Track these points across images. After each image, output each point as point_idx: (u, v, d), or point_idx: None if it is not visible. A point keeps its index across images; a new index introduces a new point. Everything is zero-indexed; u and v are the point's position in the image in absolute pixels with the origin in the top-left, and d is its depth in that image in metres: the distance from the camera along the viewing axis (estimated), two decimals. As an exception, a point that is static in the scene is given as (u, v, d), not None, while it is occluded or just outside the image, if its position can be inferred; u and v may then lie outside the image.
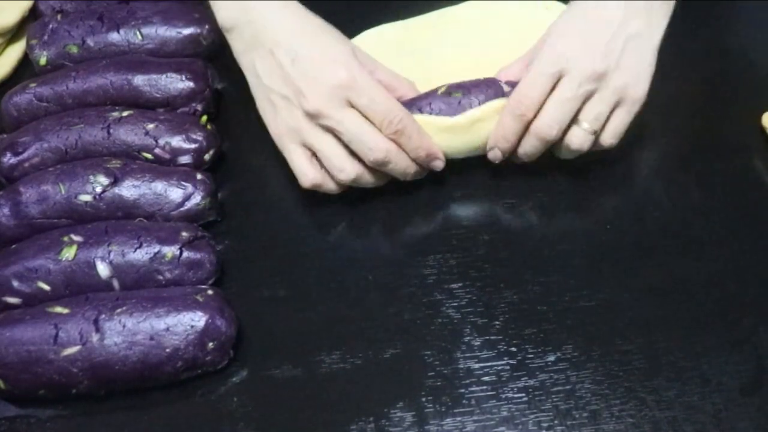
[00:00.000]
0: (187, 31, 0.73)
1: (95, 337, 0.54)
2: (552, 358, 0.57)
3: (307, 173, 0.62)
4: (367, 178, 0.62)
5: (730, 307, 0.59)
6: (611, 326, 0.58)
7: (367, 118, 0.60)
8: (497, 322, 0.59)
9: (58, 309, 0.56)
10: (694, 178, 0.67)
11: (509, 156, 0.65)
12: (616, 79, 0.61)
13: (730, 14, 0.79)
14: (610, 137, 0.63)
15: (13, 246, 0.60)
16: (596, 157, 0.66)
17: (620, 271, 0.61)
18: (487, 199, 0.66)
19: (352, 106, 0.60)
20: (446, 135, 0.63)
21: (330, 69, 0.59)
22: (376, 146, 0.60)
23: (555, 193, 0.66)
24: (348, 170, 0.61)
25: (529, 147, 0.63)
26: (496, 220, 0.65)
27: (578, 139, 0.62)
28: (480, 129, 0.63)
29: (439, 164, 0.64)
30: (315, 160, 0.62)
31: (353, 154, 0.61)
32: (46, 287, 0.58)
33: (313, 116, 0.60)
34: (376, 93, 0.60)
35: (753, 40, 0.76)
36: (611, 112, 0.62)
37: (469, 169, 0.68)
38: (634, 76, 0.62)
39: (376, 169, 0.62)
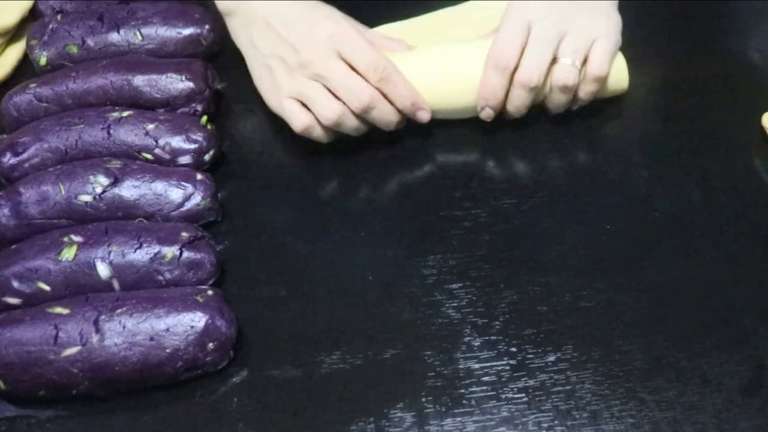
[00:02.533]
0: (187, 31, 0.73)
1: (95, 338, 0.54)
2: (552, 358, 0.57)
3: (299, 117, 0.65)
4: (351, 120, 0.65)
5: (730, 307, 0.59)
6: (611, 326, 0.58)
7: (354, 69, 0.64)
8: (497, 323, 0.59)
9: (58, 309, 0.56)
10: (694, 178, 0.67)
11: (500, 113, 0.68)
12: (583, 17, 0.65)
13: (730, 14, 0.79)
14: (596, 67, 0.66)
15: (13, 246, 0.60)
16: (597, 105, 0.68)
17: (620, 271, 0.61)
18: (487, 198, 0.66)
19: (341, 58, 0.64)
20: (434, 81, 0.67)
21: (319, 24, 0.64)
22: (361, 92, 0.64)
23: (555, 193, 0.66)
24: (333, 108, 0.64)
25: (516, 99, 0.66)
26: (496, 220, 0.65)
27: (563, 74, 0.65)
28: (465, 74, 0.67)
29: (423, 114, 0.67)
30: (306, 109, 0.65)
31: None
32: (46, 287, 0.58)
33: (304, 66, 0.64)
34: (363, 44, 0.64)
35: (753, 40, 0.76)
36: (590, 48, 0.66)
37: (469, 169, 0.68)
38: (605, 15, 0.66)
39: (359, 115, 0.65)
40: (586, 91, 0.67)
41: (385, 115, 0.66)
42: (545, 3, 0.65)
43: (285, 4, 0.66)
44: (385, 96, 0.65)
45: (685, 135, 0.70)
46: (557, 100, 0.67)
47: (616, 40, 0.67)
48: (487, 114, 0.68)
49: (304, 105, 0.65)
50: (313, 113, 0.65)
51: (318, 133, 0.66)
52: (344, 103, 0.64)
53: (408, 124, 0.69)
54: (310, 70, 0.64)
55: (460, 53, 0.68)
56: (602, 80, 0.67)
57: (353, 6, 0.75)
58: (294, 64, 0.64)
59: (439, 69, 0.67)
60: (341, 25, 0.65)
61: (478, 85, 0.67)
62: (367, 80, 0.64)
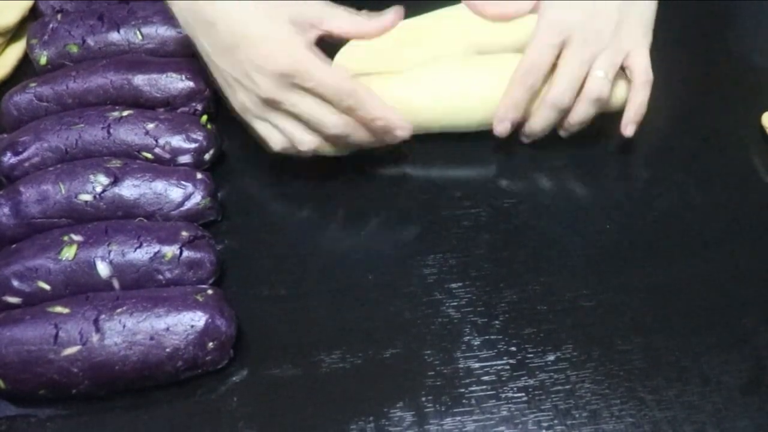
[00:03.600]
0: (188, 30, 0.73)
1: (95, 337, 0.54)
2: (552, 357, 0.57)
3: (275, 138, 0.63)
4: (328, 149, 0.64)
5: (730, 307, 0.59)
6: (611, 326, 0.58)
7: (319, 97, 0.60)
8: (497, 322, 0.59)
9: (58, 309, 0.56)
10: (694, 178, 0.67)
11: (516, 132, 0.67)
12: (623, 33, 0.63)
13: (730, 14, 0.79)
14: (644, 74, 0.64)
15: (13, 246, 0.60)
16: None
17: (620, 271, 0.61)
18: (487, 199, 0.66)
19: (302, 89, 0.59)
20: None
21: (272, 57, 0.58)
22: (332, 123, 0.61)
23: (555, 193, 0.66)
24: (308, 142, 0.62)
25: (543, 118, 0.65)
26: (496, 220, 0.65)
27: (597, 87, 0.63)
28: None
29: (401, 133, 0.63)
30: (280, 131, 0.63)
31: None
32: (46, 287, 0.58)
33: (267, 102, 0.60)
34: (322, 74, 0.59)
35: (753, 40, 0.76)
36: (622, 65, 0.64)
37: (469, 169, 0.68)
38: (639, 26, 0.64)
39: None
40: (637, 99, 0.64)
41: (365, 138, 0.63)
42: (582, 17, 0.62)
43: (233, 17, 0.59)
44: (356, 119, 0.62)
45: (685, 135, 0.70)
46: (584, 114, 0.65)
47: (650, 43, 0.65)
48: (503, 128, 0.65)
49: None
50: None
51: (296, 152, 0.63)
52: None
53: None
54: (275, 106, 0.60)
55: (458, 73, 0.67)
56: (649, 85, 0.64)
57: (356, 7, 0.75)
58: (257, 98, 0.60)
59: (437, 89, 0.66)
60: (295, 54, 0.58)
61: (476, 103, 0.66)
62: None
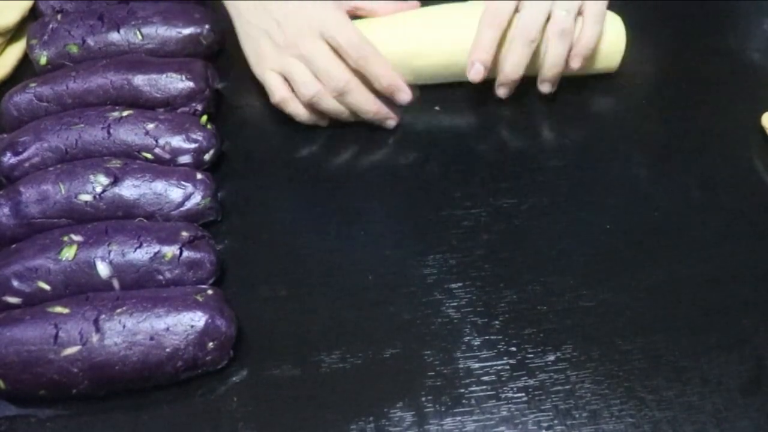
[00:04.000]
0: (187, 30, 0.73)
1: (95, 337, 0.54)
2: (552, 357, 0.57)
3: (278, 89, 0.68)
4: (328, 101, 0.67)
5: (730, 307, 0.59)
6: (611, 326, 0.58)
7: (336, 51, 0.66)
8: (497, 322, 0.59)
9: (58, 309, 0.56)
10: (694, 178, 0.67)
11: (491, 76, 0.69)
12: None
13: (731, 13, 0.79)
14: (591, 22, 0.67)
15: (13, 246, 0.60)
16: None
17: (620, 271, 0.61)
18: (487, 198, 0.66)
19: (324, 39, 0.66)
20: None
21: (307, 7, 0.66)
22: (338, 75, 0.66)
23: (555, 193, 0.66)
24: (311, 87, 0.66)
25: (514, 55, 0.67)
26: (496, 220, 0.65)
27: (560, 21, 0.67)
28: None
29: (403, 96, 0.69)
30: (287, 83, 0.68)
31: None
32: (46, 287, 0.58)
33: (289, 46, 0.66)
34: (345, 25, 0.66)
35: (753, 40, 0.76)
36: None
37: (468, 169, 0.68)
38: None
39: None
40: (587, 34, 0.68)
41: (362, 102, 0.68)
42: None
43: None
44: (364, 78, 0.67)
45: (685, 135, 0.70)
46: (554, 52, 0.68)
47: None
48: (476, 71, 0.68)
49: (287, 79, 0.67)
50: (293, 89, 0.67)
51: (293, 108, 0.68)
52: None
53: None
54: (294, 50, 0.66)
55: (442, 13, 0.70)
56: (601, 22, 0.68)
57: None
58: (279, 41, 0.66)
59: (422, 30, 0.69)
60: (329, 6, 0.66)
61: (462, 44, 0.68)
62: (347, 62, 0.66)
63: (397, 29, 0.70)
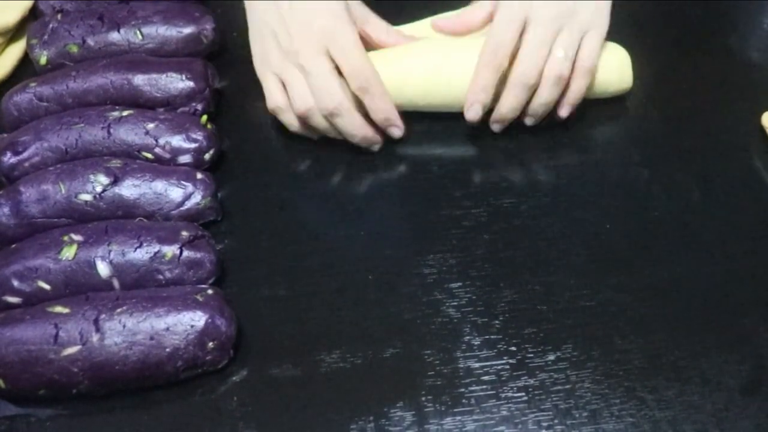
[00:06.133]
0: (188, 30, 0.73)
1: (95, 337, 0.54)
2: (552, 357, 0.57)
3: (275, 95, 0.67)
4: (318, 119, 0.66)
5: (730, 307, 0.59)
6: (611, 326, 0.58)
7: (340, 70, 0.64)
8: (497, 322, 0.59)
9: (59, 309, 0.56)
10: (694, 178, 0.67)
11: (485, 121, 0.68)
12: (580, 13, 0.65)
13: (730, 14, 0.79)
14: (587, 59, 0.66)
15: (13, 246, 0.60)
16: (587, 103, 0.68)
17: (620, 270, 0.61)
18: (487, 198, 0.66)
19: (329, 56, 0.64)
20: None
21: (319, 16, 0.64)
22: (331, 96, 0.64)
23: (555, 193, 0.66)
24: (305, 101, 0.65)
25: (511, 98, 0.66)
26: (496, 220, 0.65)
27: (557, 66, 0.65)
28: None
29: (396, 131, 0.68)
30: (285, 90, 0.67)
31: None
32: (47, 287, 0.58)
33: (293, 54, 0.65)
34: (354, 47, 0.65)
35: (753, 40, 0.76)
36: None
37: (468, 169, 0.68)
38: (594, 7, 0.66)
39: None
40: (578, 85, 0.67)
41: (350, 127, 0.66)
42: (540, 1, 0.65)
43: None
44: (362, 105, 0.65)
45: (685, 135, 0.70)
46: (547, 96, 0.66)
47: (606, 29, 0.67)
48: (474, 112, 0.67)
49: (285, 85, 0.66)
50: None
51: (286, 117, 0.67)
52: None
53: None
54: (296, 59, 0.64)
55: (442, 48, 0.69)
56: (593, 72, 0.67)
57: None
58: (285, 47, 0.65)
59: (424, 63, 0.68)
60: (340, 22, 0.65)
61: (459, 80, 0.67)
62: (348, 84, 0.65)
63: (402, 61, 0.68)
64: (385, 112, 0.66)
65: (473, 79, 0.66)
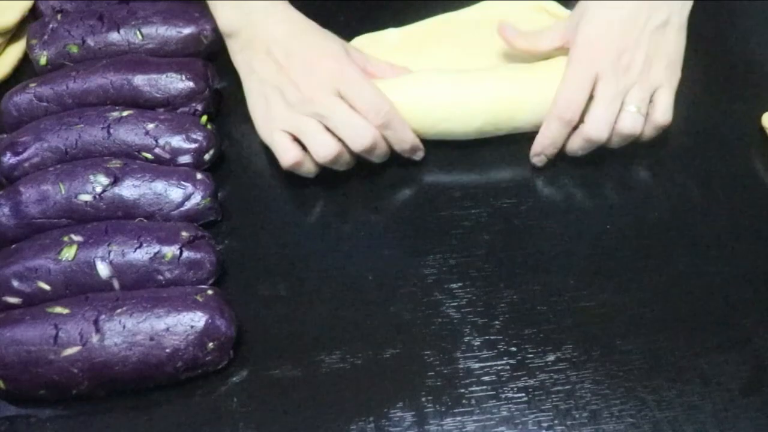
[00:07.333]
0: (188, 30, 0.73)
1: (95, 338, 0.54)
2: (552, 358, 0.57)
3: (288, 151, 0.64)
4: (346, 158, 0.64)
5: (730, 307, 0.59)
6: (611, 326, 0.58)
7: (355, 109, 0.63)
8: (497, 322, 0.59)
9: (58, 309, 0.56)
10: (694, 178, 0.67)
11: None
12: (652, 69, 0.64)
13: (730, 14, 0.79)
14: (661, 115, 0.64)
15: (13, 246, 0.60)
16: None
17: (620, 271, 0.61)
18: (487, 198, 0.66)
19: (341, 97, 0.63)
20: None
21: (322, 61, 0.63)
22: (365, 133, 0.63)
23: (555, 193, 0.66)
24: (331, 146, 0.63)
25: (579, 148, 0.65)
26: (496, 220, 0.65)
27: (630, 122, 0.64)
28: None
29: (420, 155, 0.68)
30: (296, 143, 0.64)
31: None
32: (46, 287, 0.58)
33: (304, 103, 0.62)
34: (365, 85, 0.63)
35: (753, 40, 0.76)
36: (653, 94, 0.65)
37: (468, 169, 0.68)
38: (667, 63, 0.64)
39: (354, 153, 0.64)
40: (647, 137, 0.66)
41: (382, 155, 0.65)
42: (612, 52, 0.63)
43: (289, 32, 0.65)
44: (384, 138, 0.64)
45: (685, 135, 0.70)
46: (616, 147, 0.66)
47: (678, 78, 0.66)
48: (539, 161, 0.67)
49: (295, 139, 0.64)
50: (303, 148, 0.64)
51: (307, 168, 0.65)
52: (341, 141, 0.63)
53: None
54: (309, 107, 0.62)
55: (464, 80, 0.66)
56: (667, 127, 0.65)
57: (352, 9, 0.76)
58: (293, 99, 0.63)
59: (442, 96, 0.66)
60: (343, 62, 0.64)
61: (477, 111, 0.65)
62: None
63: (412, 90, 0.66)
64: (408, 141, 0.65)
65: (542, 131, 0.65)
